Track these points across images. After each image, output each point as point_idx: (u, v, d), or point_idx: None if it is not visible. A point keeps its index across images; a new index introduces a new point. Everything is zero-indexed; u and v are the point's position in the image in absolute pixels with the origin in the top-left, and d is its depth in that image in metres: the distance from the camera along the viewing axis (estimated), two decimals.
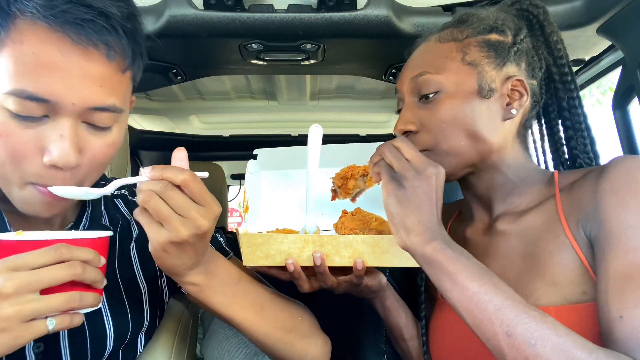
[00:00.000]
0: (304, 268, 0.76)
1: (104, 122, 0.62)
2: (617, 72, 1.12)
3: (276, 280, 0.81)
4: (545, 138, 0.85)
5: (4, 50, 0.56)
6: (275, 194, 0.99)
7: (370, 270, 0.81)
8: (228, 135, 2.19)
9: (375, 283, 0.83)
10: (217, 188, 2.07)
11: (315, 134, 0.83)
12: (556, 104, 0.82)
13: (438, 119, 0.75)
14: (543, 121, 0.85)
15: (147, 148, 2.20)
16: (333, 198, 0.85)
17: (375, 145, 0.86)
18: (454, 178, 0.79)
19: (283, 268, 0.76)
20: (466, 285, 0.59)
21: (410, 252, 0.65)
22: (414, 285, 0.92)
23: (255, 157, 0.96)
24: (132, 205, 0.86)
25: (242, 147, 2.19)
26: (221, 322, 1.18)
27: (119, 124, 0.65)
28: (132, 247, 0.82)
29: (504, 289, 0.58)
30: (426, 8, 0.99)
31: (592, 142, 0.81)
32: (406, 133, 0.80)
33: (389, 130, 2.20)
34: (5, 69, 0.55)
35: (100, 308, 0.72)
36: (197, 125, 2.13)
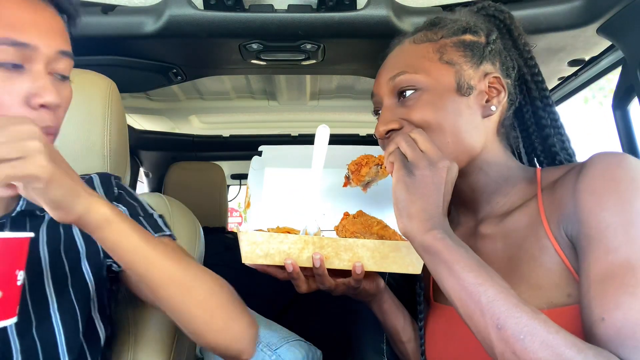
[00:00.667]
0: (303, 269, 0.75)
1: (66, 69, 0.70)
2: (617, 72, 1.12)
3: (273, 279, 0.81)
4: (522, 137, 0.86)
5: None
6: (278, 192, 0.99)
7: (368, 274, 0.80)
8: (228, 135, 2.19)
9: (373, 286, 0.83)
10: (217, 188, 2.07)
11: (322, 134, 0.83)
12: (530, 104, 0.83)
13: (419, 117, 0.75)
14: (516, 123, 0.86)
15: (147, 148, 2.20)
16: (345, 184, 0.85)
17: (378, 148, 0.86)
18: None
19: (281, 267, 0.76)
20: (462, 275, 0.59)
21: (410, 239, 0.65)
22: (414, 287, 0.92)
23: (260, 153, 0.96)
24: None
25: (242, 147, 2.19)
26: None
27: (68, 80, 0.73)
28: (75, 227, 0.79)
29: (499, 283, 0.58)
30: (426, 8, 0.99)
31: (568, 140, 0.82)
32: (388, 133, 0.79)
33: None
34: None
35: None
36: (197, 125, 2.13)
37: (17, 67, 0.64)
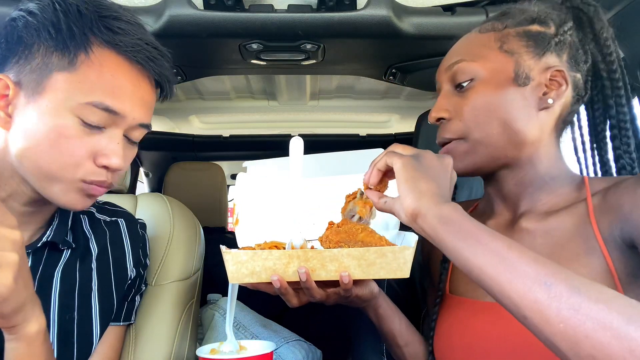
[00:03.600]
0: (292, 283, 0.74)
1: (138, 137, 0.75)
2: None
3: (266, 296, 0.80)
4: (591, 136, 0.83)
5: (82, 68, 0.66)
6: (264, 207, 0.99)
7: (359, 280, 0.79)
8: (228, 135, 2.19)
9: (366, 292, 0.82)
10: (217, 188, 2.07)
11: (296, 146, 0.83)
12: (602, 101, 0.81)
13: (471, 106, 0.74)
14: (587, 118, 0.83)
15: (147, 148, 2.20)
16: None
17: (372, 151, 0.86)
18: (485, 171, 0.78)
19: (270, 283, 0.75)
20: (492, 242, 0.55)
21: (421, 215, 0.61)
22: (415, 287, 0.92)
23: (244, 169, 0.97)
24: (96, 224, 0.87)
25: (242, 147, 2.19)
26: (221, 322, 1.18)
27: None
28: (93, 266, 0.82)
29: (530, 250, 0.55)
30: (426, 8, 0.99)
31: (639, 145, 0.78)
32: (439, 120, 0.79)
33: (389, 130, 2.20)
34: (83, 85, 0.66)
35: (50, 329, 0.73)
36: (197, 125, 2.13)
37: (101, 127, 0.68)
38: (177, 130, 2.18)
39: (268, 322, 1.26)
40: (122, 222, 0.90)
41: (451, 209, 0.60)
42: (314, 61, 1.14)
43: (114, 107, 0.67)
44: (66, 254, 0.79)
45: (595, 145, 0.83)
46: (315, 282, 0.74)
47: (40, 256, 0.76)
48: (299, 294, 0.78)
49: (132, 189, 2.20)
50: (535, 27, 0.75)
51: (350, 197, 0.80)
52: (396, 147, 0.70)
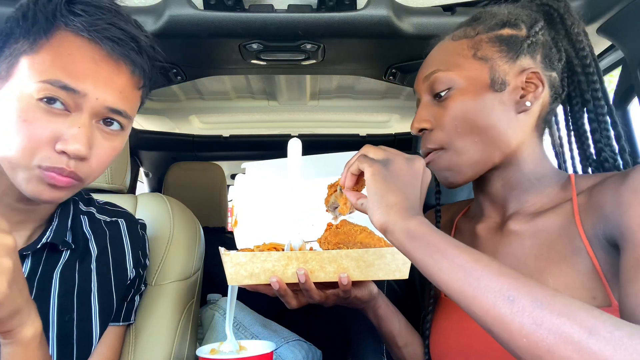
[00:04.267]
0: (291, 284, 0.74)
1: (115, 126, 0.71)
2: (617, 72, 1.12)
3: (265, 296, 0.80)
4: (572, 132, 0.83)
5: (42, 51, 0.65)
6: (263, 208, 0.99)
7: (358, 282, 0.79)
8: (228, 135, 2.19)
9: (365, 293, 0.82)
10: (217, 188, 2.07)
11: (294, 147, 0.82)
12: (579, 96, 0.81)
13: (450, 116, 0.75)
14: (569, 114, 0.84)
15: (147, 148, 2.20)
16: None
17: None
18: (470, 179, 0.78)
19: (269, 285, 0.75)
20: (457, 255, 0.54)
21: (389, 230, 0.60)
22: (415, 288, 0.92)
23: (243, 171, 0.97)
24: (97, 225, 0.86)
25: (242, 147, 2.19)
26: (221, 322, 1.18)
27: (124, 132, 0.74)
28: (93, 267, 0.82)
29: (496, 261, 0.54)
30: (426, 8, 0.99)
31: (618, 136, 0.78)
32: (422, 131, 0.80)
33: (389, 130, 2.20)
34: (41, 65, 0.64)
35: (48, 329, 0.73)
36: (197, 125, 2.13)
37: (64, 110, 0.65)
38: (177, 130, 2.18)
39: (268, 322, 1.26)
40: (122, 223, 0.90)
41: (417, 223, 0.58)
42: (314, 61, 1.14)
43: (71, 84, 0.64)
44: (65, 254, 0.79)
45: (575, 139, 0.83)
46: (314, 283, 0.74)
47: (40, 257, 0.76)
48: (298, 295, 0.78)
49: (132, 189, 2.20)
50: (506, 31, 0.76)
51: (333, 189, 0.78)
52: (368, 150, 0.68)
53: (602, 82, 0.80)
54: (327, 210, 0.81)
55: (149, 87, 0.76)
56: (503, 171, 0.78)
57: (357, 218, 0.87)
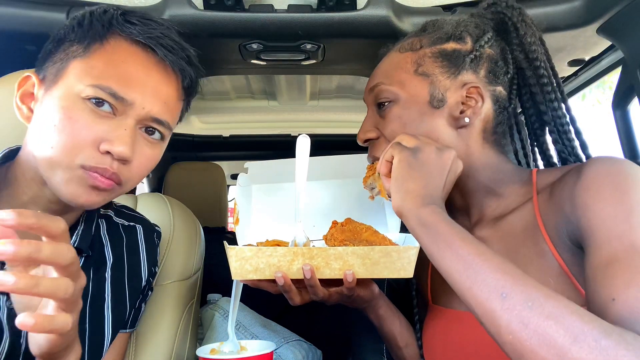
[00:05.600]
0: (294, 281, 0.74)
1: (156, 135, 0.72)
2: (617, 72, 1.12)
3: (266, 297, 0.80)
4: (534, 143, 0.84)
5: (94, 56, 0.67)
6: (266, 207, 0.99)
7: (362, 281, 0.79)
8: (228, 135, 2.19)
9: (367, 293, 0.82)
10: (217, 188, 2.07)
11: (302, 145, 0.82)
12: (534, 108, 0.81)
13: (390, 129, 0.77)
14: (527, 126, 0.84)
15: None
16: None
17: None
18: None
19: (273, 281, 0.75)
20: (461, 247, 0.57)
21: (404, 215, 0.63)
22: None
23: (246, 170, 0.97)
24: (114, 229, 0.85)
25: (242, 147, 2.19)
26: (221, 322, 1.18)
27: (163, 143, 0.75)
28: (107, 275, 0.81)
29: (499, 256, 0.55)
30: (426, 8, 0.99)
31: (583, 146, 0.77)
32: (367, 141, 0.82)
33: None
34: (92, 69, 0.66)
35: None
36: (197, 125, 2.13)
37: (111, 113, 0.66)
38: (177, 130, 2.17)
39: (268, 322, 1.26)
40: (139, 229, 0.88)
41: (430, 211, 0.61)
42: (314, 61, 1.13)
43: (121, 93, 0.65)
44: (79, 262, 0.78)
45: (541, 154, 0.83)
46: (318, 280, 0.74)
47: None
48: (302, 292, 0.78)
49: (132, 189, 2.20)
50: (450, 45, 0.76)
51: (372, 172, 0.81)
52: (402, 138, 0.71)
53: (560, 91, 0.78)
54: (364, 188, 0.83)
55: (188, 102, 0.78)
56: (459, 182, 0.76)
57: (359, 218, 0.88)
